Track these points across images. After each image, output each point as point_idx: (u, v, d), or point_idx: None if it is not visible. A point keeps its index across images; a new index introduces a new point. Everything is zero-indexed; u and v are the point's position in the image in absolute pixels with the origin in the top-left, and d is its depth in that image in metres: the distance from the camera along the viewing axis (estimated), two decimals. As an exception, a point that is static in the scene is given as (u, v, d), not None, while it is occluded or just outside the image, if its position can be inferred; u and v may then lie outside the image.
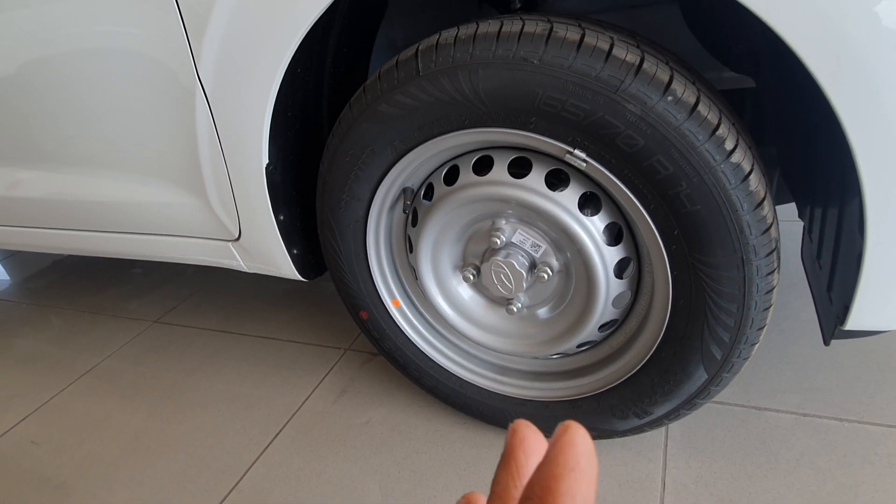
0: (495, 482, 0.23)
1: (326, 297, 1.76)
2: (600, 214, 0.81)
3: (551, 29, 0.69)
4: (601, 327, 0.89)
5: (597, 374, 0.95)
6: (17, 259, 2.60)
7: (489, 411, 1.08)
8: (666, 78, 0.65)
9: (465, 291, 1.00)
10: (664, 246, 0.74)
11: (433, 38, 0.77)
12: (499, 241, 0.88)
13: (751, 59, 1.02)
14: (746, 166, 0.67)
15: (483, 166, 0.85)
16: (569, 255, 0.86)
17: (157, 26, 0.90)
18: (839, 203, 0.74)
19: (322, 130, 1.07)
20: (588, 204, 0.81)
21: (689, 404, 0.88)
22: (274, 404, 1.30)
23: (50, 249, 1.48)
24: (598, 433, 0.99)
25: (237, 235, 1.10)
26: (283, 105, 0.91)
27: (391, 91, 0.80)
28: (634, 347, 0.89)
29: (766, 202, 0.69)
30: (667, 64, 0.67)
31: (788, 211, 1.26)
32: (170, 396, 1.40)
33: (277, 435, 1.21)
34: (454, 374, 1.08)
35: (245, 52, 0.85)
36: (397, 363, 1.14)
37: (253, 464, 1.14)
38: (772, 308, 0.76)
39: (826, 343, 0.80)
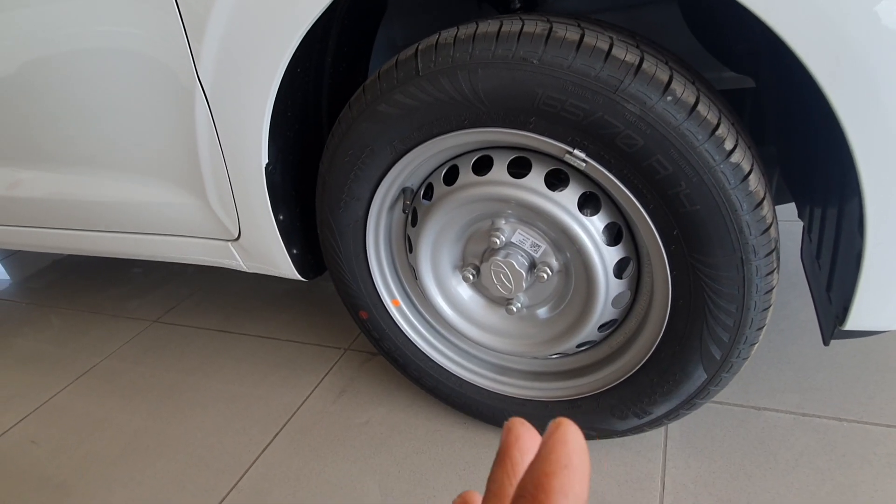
0: (491, 480, 0.23)
1: (326, 297, 1.76)
2: (600, 214, 0.81)
3: (551, 29, 0.69)
4: (601, 327, 0.89)
5: (596, 374, 0.95)
6: (16, 259, 2.60)
7: (489, 411, 1.08)
8: (665, 78, 0.65)
9: (464, 291, 1.00)
10: (663, 246, 0.74)
11: (433, 38, 0.77)
12: (498, 241, 0.88)
13: (750, 59, 1.02)
14: (746, 166, 0.67)
15: (483, 166, 0.85)
16: (568, 255, 0.86)
17: (156, 26, 0.90)
18: (839, 203, 0.74)
19: (322, 130, 1.07)
20: (587, 204, 0.81)
21: (689, 404, 0.88)
22: (273, 404, 1.30)
23: (50, 249, 1.48)
24: (597, 433, 0.99)
25: (237, 235, 1.10)
26: (282, 105, 0.91)
27: (391, 91, 0.80)
28: (634, 347, 0.89)
29: (765, 202, 0.69)
30: (666, 64, 0.67)
31: (788, 211, 1.26)
32: (169, 396, 1.40)
33: (277, 435, 1.21)
34: (454, 374, 1.08)
35: (245, 52, 0.85)
36: (397, 363, 1.14)
37: (252, 463, 1.14)
38: (771, 308, 0.76)
39: (825, 343, 0.80)
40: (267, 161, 0.95)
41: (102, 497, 1.13)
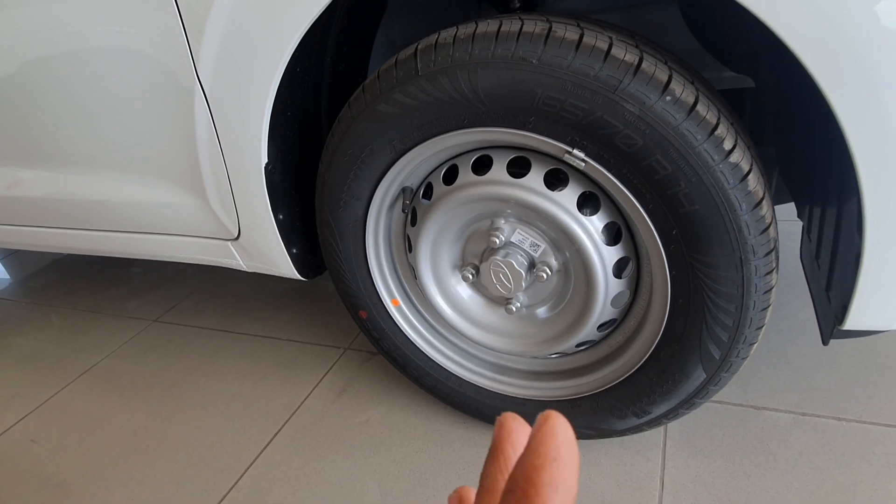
0: (483, 475, 0.23)
1: (326, 297, 1.76)
2: (599, 214, 0.81)
3: (550, 28, 0.69)
4: (600, 327, 0.89)
5: (596, 374, 0.95)
6: (16, 258, 2.60)
7: (488, 410, 1.09)
8: (665, 77, 0.65)
9: (464, 291, 1.00)
10: (663, 246, 0.74)
11: (432, 38, 0.77)
12: (498, 241, 0.88)
13: (750, 59, 1.02)
14: (745, 166, 0.67)
15: (482, 166, 0.85)
16: (568, 254, 0.87)
17: (156, 26, 0.90)
18: (838, 203, 0.74)
19: (321, 130, 1.07)
20: (587, 203, 0.81)
21: (688, 404, 0.88)
22: (273, 403, 1.30)
23: (50, 248, 1.48)
24: (596, 432, 0.99)
25: (236, 235, 1.10)
26: (282, 104, 0.91)
27: (390, 90, 0.80)
28: (633, 347, 0.89)
29: (764, 202, 0.69)
30: (665, 63, 0.67)
31: (787, 211, 1.26)
32: (169, 395, 1.40)
33: (277, 434, 1.21)
34: (453, 374, 1.08)
35: (244, 52, 0.85)
36: (396, 362, 1.14)
37: (252, 463, 1.14)
38: (770, 308, 0.76)
39: (825, 343, 0.80)
40: (266, 161, 0.95)
41: (102, 496, 1.13)
